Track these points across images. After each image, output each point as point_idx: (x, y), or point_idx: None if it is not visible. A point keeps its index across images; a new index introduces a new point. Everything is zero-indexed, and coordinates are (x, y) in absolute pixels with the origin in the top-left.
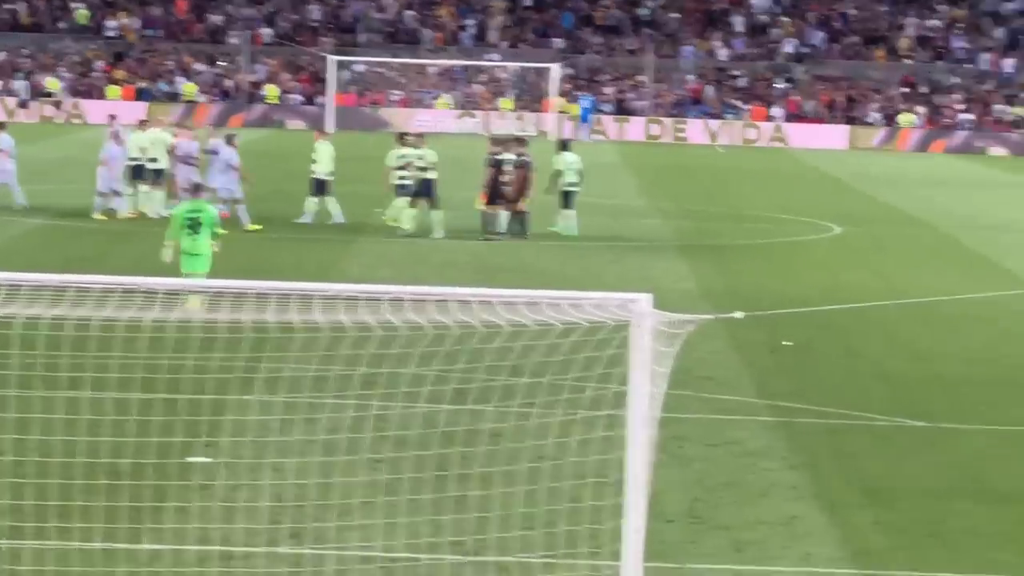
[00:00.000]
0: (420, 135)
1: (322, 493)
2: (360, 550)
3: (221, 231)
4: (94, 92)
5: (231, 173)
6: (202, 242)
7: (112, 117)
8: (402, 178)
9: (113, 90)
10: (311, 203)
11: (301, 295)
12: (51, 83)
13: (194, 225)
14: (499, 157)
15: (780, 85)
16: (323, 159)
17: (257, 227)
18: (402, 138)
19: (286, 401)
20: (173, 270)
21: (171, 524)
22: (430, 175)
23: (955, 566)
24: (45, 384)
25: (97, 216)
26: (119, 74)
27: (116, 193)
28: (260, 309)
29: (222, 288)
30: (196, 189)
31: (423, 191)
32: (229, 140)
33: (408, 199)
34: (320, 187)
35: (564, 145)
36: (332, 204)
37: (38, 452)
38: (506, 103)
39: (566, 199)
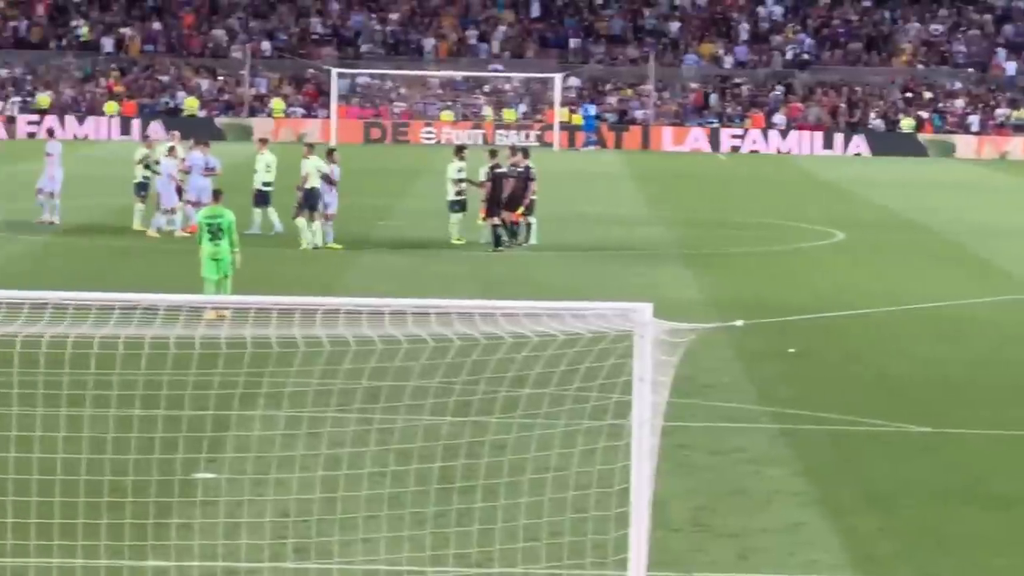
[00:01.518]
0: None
1: (326, 507)
2: (365, 564)
3: (236, 240)
4: (95, 108)
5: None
6: (223, 247)
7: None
8: (459, 193)
9: (111, 106)
10: (255, 214)
11: (304, 309)
12: (42, 99)
13: (215, 229)
14: (501, 169)
15: (780, 92)
16: (260, 169)
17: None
18: (460, 152)
19: (289, 415)
20: (171, 286)
21: (175, 541)
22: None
23: (958, 572)
24: (47, 402)
25: (152, 233)
26: (120, 89)
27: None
28: (262, 324)
29: (225, 304)
30: (216, 195)
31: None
32: (330, 155)
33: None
34: (261, 198)
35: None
36: (272, 214)
37: (41, 470)
38: (509, 114)
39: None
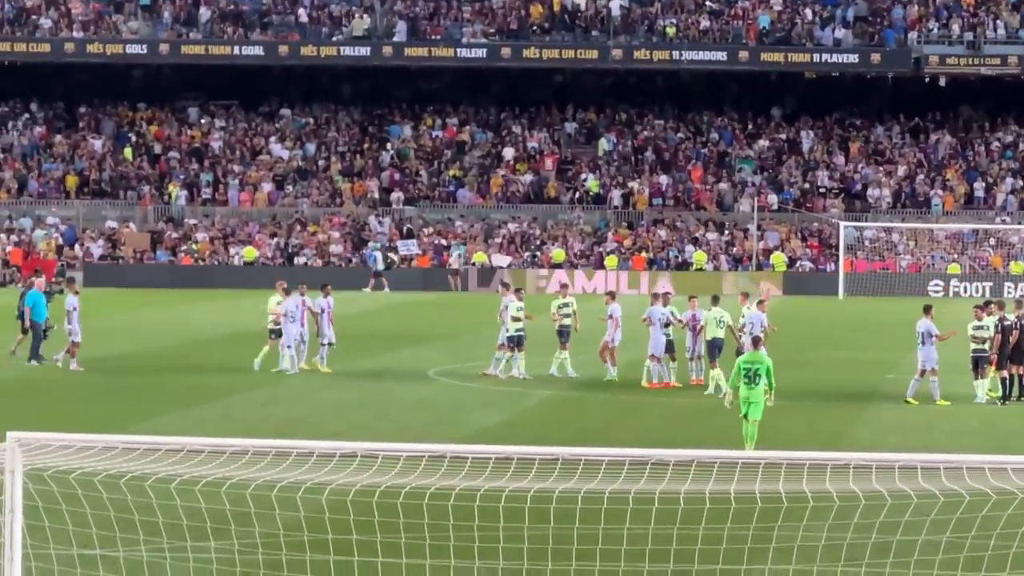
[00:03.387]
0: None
1: None
2: None
3: (773, 384)
4: (602, 262)
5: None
6: (758, 391)
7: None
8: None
9: (613, 260)
10: None
11: (813, 463)
12: (557, 254)
13: (751, 374)
14: (1008, 321)
15: None
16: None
17: None
18: (986, 307)
19: (797, 570)
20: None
21: None
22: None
23: None
24: (556, 557)
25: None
26: (628, 243)
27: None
28: (772, 478)
29: (726, 458)
30: (755, 342)
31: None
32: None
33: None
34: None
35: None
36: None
37: None
38: (1017, 266)
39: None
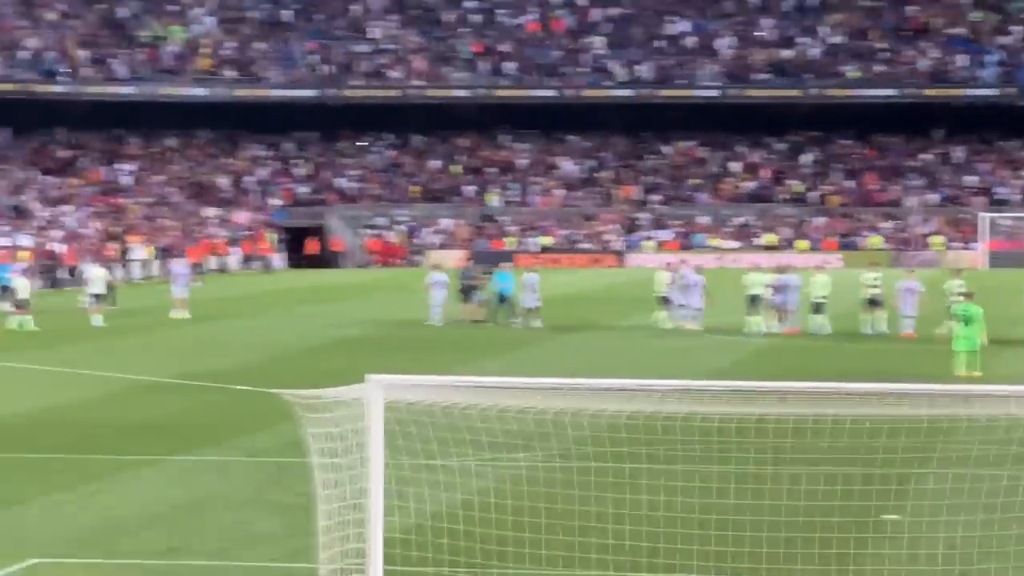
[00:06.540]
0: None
1: (984, 542)
2: None
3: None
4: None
5: None
6: (972, 331)
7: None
8: None
9: (803, 244)
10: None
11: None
12: (769, 238)
13: (966, 318)
14: None
15: None
16: (817, 286)
17: None
18: None
19: (954, 474)
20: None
21: (870, 566)
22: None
23: None
24: (774, 463)
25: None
26: (826, 230)
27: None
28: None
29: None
30: (968, 296)
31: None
32: None
33: None
34: (816, 308)
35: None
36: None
37: (771, 512)
38: None
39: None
